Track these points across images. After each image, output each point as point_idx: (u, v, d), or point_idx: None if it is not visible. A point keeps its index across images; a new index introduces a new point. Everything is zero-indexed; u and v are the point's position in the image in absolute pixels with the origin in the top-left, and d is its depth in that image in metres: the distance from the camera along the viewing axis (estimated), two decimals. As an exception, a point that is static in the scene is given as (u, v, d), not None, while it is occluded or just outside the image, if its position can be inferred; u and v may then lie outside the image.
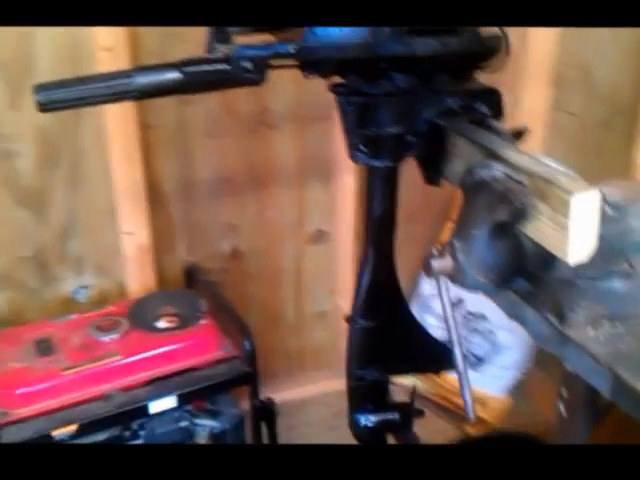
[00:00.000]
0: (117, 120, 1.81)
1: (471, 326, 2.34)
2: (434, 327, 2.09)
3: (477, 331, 2.34)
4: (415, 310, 2.35)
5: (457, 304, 2.33)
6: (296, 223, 2.23)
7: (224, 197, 2.08)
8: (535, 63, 2.16)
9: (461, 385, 1.02)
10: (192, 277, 2.04)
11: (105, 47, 1.70)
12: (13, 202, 1.83)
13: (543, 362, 2.20)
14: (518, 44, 2.14)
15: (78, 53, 1.74)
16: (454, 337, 1.02)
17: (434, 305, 2.30)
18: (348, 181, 2.15)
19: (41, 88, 0.95)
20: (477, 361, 2.33)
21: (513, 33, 2.12)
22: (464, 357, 1.03)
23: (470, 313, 2.33)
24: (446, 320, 1.02)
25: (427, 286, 2.37)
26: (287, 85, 1.99)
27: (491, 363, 2.33)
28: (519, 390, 2.35)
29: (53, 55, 1.72)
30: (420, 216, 2.30)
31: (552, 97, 2.20)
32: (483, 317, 2.31)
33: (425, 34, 1.04)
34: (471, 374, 2.25)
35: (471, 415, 1.03)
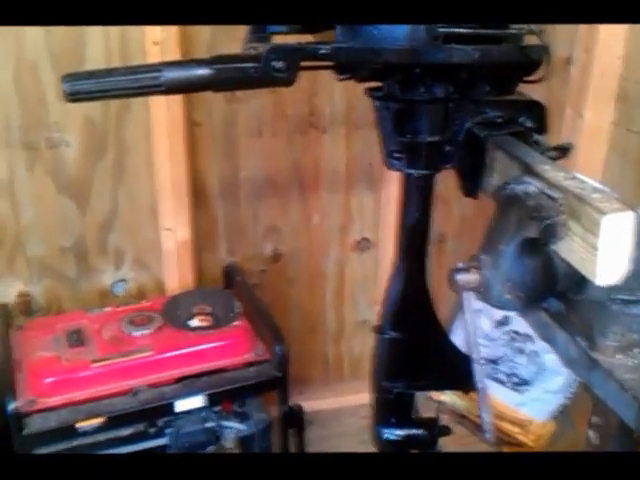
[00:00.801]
0: (164, 116, 1.81)
1: (516, 346, 2.28)
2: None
3: (523, 352, 2.28)
4: (459, 327, 2.29)
5: (502, 322, 2.27)
6: (341, 229, 2.20)
7: (268, 198, 2.07)
8: (599, 78, 2.11)
9: (480, 403, 0.99)
10: (231, 277, 2.03)
11: (154, 41, 1.70)
12: (57, 191, 1.84)
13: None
14: (584, 58, 2.10)
15: (128, 46, 1.75)
16: (475, 354, 0.99)
17: (479, 323, 2.24)
18: (396, 189, 2.11)
19: (69, 78, 0.94)
20: (521, 383, 2.27)
21: (579, 47, 2.09)
22: (484, 375, 0.99)
23: (516, 332, 2.27)
24: (468, 336, 0.99)
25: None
26: (338, 88, 1.97)
27: (536, 386, 2.26)
28: (563, 415, 2.27)
29: (103, 47, 1.73)
30: (471, 230, 2.24)
31: (615, 113, 2.14)
32: (529, 338, 2.25)
33: (464, 42, 1.00)
34: (514, 396, 2.24)
35: (488, 435, 0.99)
